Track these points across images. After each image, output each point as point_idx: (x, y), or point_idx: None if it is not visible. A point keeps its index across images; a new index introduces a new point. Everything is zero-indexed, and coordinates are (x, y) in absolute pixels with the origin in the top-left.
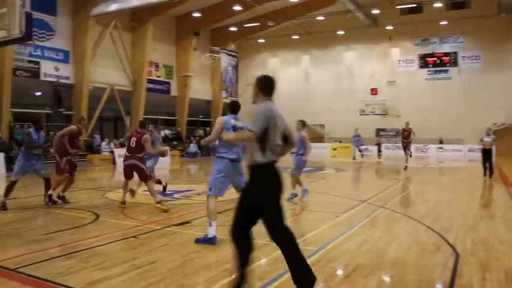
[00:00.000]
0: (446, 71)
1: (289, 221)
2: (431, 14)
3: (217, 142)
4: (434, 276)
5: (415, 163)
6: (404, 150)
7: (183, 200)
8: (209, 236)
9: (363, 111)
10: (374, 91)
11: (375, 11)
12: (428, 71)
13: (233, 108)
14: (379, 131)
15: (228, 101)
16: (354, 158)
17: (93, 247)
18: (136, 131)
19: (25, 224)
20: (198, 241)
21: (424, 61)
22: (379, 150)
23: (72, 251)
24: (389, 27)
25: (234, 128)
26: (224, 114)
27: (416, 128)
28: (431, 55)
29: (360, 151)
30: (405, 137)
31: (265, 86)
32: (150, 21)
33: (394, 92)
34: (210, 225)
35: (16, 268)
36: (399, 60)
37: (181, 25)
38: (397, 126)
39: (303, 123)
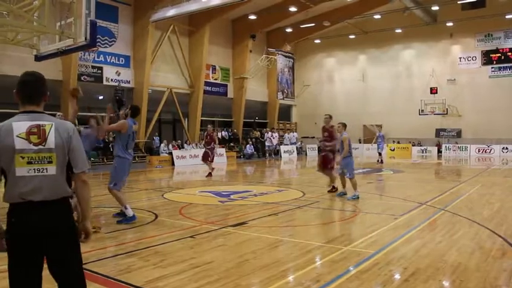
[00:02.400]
0: (511, 67)
1: (345, 223)
2: (495, 7)
3: None
4: (499, 283)
5: (478, 164)
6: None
7: (240, 201)
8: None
9: (422, 110)
10: (434, 90)
11: (435, 8)
12: (492, 67)
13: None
14: (439, 131)
15: (284, 102)
16: (379, 162)
17: (153, 246)
18: None
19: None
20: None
21: (487, 58)
22: (439, 151)
23: (133, 249)
24: (450, 24)
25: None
26: (280, 115)
27: (479, 127)
28: (496, 51)
29: (380, 154)
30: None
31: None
32: (207, 25)
33: (455, 91)
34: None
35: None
36: (460, 58)
37: (237, 28)
38: (458, 126)
39: (344, 125)
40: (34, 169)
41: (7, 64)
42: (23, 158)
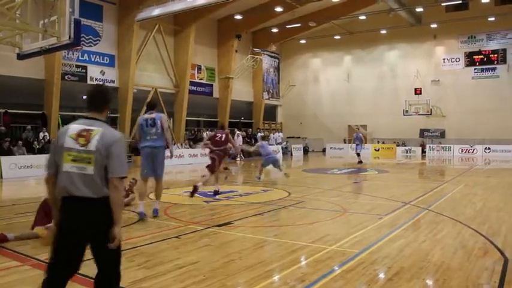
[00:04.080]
0: (494, 69)
1: (330, 223)
2: (478, 10)
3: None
4: (481, 282)
5: (461, 164)
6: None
7: (225, 201)
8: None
9: (407, 111)
10: (418, 91)
11: (419, 9)
12: (475, 69)
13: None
14: (423, 132)
15: (270, 102)
16: (359, 162)
17: (138, 246)
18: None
19: None
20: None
21: (470, 59)
22: (423, 151)
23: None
24: (434, 25)
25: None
26: (265, 115)
27: (463, 128)
28: (478, 53)
29: (358, 155)
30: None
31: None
32: (192, 24)
33: (439, 92)
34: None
35: None
36: (444, 59)
37: (222, 28)
38: (442, 127)
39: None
40: (76, 167)
41: None
42: (69, 155)
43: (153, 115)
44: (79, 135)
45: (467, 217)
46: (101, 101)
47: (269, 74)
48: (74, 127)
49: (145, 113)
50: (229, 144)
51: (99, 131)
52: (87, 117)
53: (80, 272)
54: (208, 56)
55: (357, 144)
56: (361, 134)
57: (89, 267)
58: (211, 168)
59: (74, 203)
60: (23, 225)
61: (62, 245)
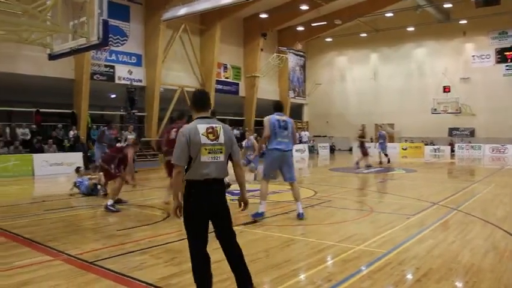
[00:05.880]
0: None
1: (357, 222)
2: (510, 4)
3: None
4: None
5: (492, 164)
6: None
7: (251, 199)
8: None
9: (435, 109)
10: (447, 89)
11: (447, 5)
12: (507, 66)
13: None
14: (451, 130)
15: (295, 101)
16: (381, 163)
17: (165, 244)
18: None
19: (103, 220)
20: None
21: (501, 56)
22: (452, 150)
23: (145, 246)
24: (463, 21)
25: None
26: (291, 114)
27: (493, 126)
28: (510, 49)
29: (386, 155)
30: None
31: (195, 102)
32: (218, 23)
33: (469, 90)
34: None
35: (94, 261)
36: (474, 56)
37: (248, 26)
38: (471, 125)
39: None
40: (211, 157)
41: (22, 63)
42: (206, 149)
43: (285, 117)
44: (208, 132)
45: (498, 218)
46: (208, 103)
47: (295, 72)
48: (201, 126)
49: (274, 113)
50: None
51: (220, 127)
52: (201, 117)
53: (110, 268)
54: (234, 54)
55: (380, 143)
56: (384, 132)
57: (118, 264)
58: None
59: (208, 184)
60: (51, 221)
61: (203, 221)
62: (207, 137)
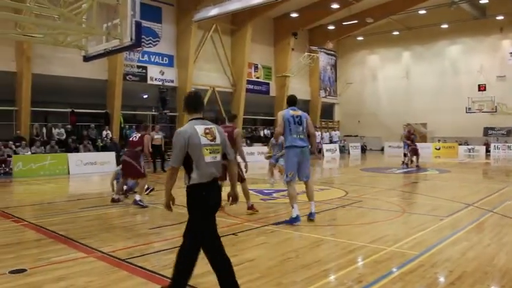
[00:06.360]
0: None
1: (389, 223)
2: None
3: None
4: None
5: None
6: None
7: (282, 199)
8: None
9: (469, 108)
10: (482, 87)
11: (484, 1)
12: None
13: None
14: (487, 130)
15: (327, 100)
16: (407, 166)
17: None
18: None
19: (134, 218)
20: (286, 222)
21: None
22: (487, 151)
23: (176, 245)
24: (500, 17)
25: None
26: (322, 113)
27: None
28: None
29: (405, 155)
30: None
31: (188, 104)
32: (249, 23)
33: (505, 88)
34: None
35: (126, 259)
36: (511, 53)
37: (279, 26)
38: (508, 125)
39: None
40: (212, 157)
41: (57, 65)
42: (207, 149)
43: (299, 112)
44: (205, 133)
45: None
46: (202, 104)
47: (326, 71)
48: (199, 127)
49: (288, 108)
50: None
51: (214, 127)
52: (196, 118)
53: (141, 265)
54: (265, 54)
55: (405, 142)
56: (405, 132)
57: (149, 261)
58: None
59: (213, 183)
60: (86, 219)
61: (211, 219)
62: (206, 137)
